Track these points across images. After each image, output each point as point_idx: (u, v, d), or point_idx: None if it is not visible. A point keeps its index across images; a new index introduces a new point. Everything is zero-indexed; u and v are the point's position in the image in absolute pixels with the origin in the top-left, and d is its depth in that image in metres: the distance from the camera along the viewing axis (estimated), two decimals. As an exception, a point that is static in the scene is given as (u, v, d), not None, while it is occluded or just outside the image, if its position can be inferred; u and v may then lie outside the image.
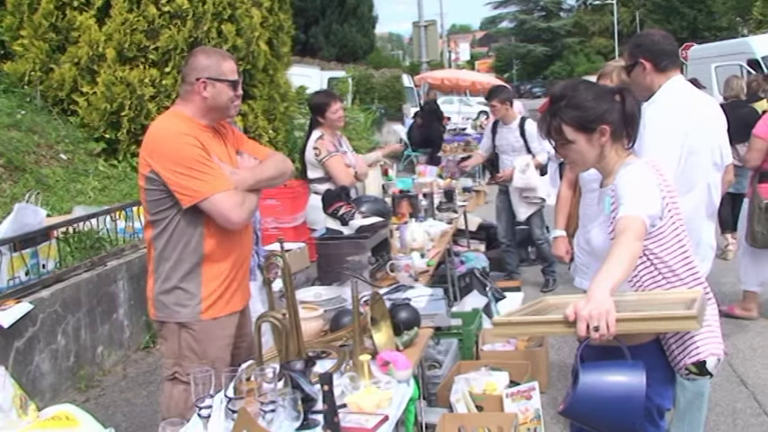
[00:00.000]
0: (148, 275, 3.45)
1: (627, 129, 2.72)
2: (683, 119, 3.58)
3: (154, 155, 3.23)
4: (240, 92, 3.51)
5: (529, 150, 7.74)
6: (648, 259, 2.60)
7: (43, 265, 5.60)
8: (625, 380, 2.44)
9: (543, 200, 7.83)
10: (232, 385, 2.52)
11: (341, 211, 4.48)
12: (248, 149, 3.60)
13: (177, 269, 3.31)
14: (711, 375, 2.67)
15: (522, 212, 7.87)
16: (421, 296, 3.85)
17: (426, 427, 4.19)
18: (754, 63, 16.67)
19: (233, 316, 3.46)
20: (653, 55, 3.67)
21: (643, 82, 3.70)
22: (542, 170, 7.84)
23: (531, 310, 2.68)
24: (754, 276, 6.56)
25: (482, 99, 27.95)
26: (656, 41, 3.72)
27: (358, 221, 4.42)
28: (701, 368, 2.59)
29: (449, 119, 21.40)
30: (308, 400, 2.44)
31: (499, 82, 24.00)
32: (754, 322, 6.48)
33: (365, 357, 2.79)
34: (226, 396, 2.47)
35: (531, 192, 7.77)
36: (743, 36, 26.19)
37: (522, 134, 7.76)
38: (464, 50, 71.64)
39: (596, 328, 2.27)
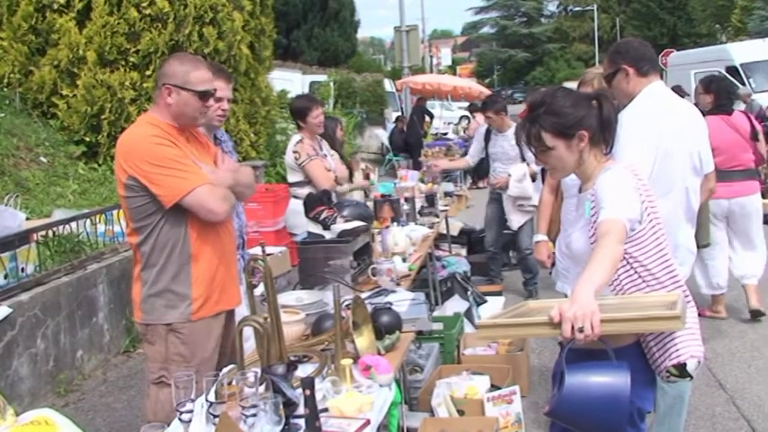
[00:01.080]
0: (134, 280, 3.43)
1: (604, 134, 2.75)
2: (658, 122, 3.61)
3: (129, 160, 3.22)
4: (223, 101, 3.50)
5: (523, 158, 7.70)
6: (628, 263, 2.62)
7: (22, 269, 5.55)
8: (610, 380, 2.46)
9: (536, 207, 7.77)
10: (213, 389, 2.51)
11: (323, 215, 4.47)
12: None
13: (165, 272, 3.30)
14: (692, 378, 2.69)
15: (515, 221, 7.79)
16: (402, 300, 3.86)
17: (407, 432, 4.19)
18: (732, 70, 16.84)
19: (220, 316, 3.45)
20: (635, 60, 3.72)
21: (626, 88, 3.74)
22: (533, 177, 7.81)
23: (514, 313, 2.69)
24: (701, 279, 6.69)
25: (463, 104, 28.05)
26: (636, 47, 3.78)
27: (340, 225, 4.42)
28: (681, 370, 2.61)
29: (430, 120, 21.45)
30: (289, 405, 2.44)
31: (481, 87, 24.11)
32: (733, 327, 6.53)
33: (347, 361, 2.79)
34: (207, 400, 2.46)
35: (526, 200, 7.65)
36: (722, 43, 26.43)
37: (518, 142, 7.73)
38: (445, 55, 71.85)
39: (581, 329, 2.28)
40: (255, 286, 3.08)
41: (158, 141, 3.21)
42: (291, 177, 6.02)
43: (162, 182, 3.17)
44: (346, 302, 3.22)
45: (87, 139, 9.04)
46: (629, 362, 2.51)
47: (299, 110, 6.04)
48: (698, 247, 6.20)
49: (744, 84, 16.23)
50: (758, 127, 6.82)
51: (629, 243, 2.58)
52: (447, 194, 8.60)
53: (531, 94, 2.92)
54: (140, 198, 3.24)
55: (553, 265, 4.66)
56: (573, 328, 2.30)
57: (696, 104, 7.52)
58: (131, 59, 9.08)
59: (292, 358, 3.01)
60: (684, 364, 2.60)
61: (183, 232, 3.29)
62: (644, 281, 2.63)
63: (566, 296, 3.08)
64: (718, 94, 6.73)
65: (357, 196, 7.30)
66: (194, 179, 3.20)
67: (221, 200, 3.27)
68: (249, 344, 3.27)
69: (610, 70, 3.79)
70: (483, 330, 2.65)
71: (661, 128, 3.60)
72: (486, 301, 6.88)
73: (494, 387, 4.68)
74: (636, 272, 2.63)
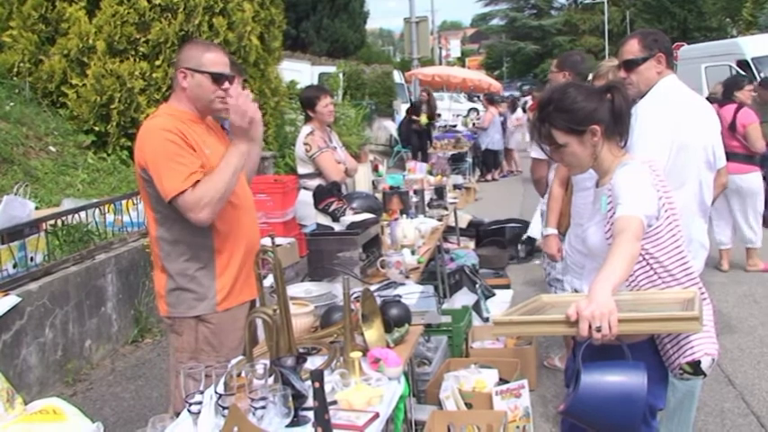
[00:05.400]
0: (157, 271, 3.39)
1: (618, 127, 2.73)
2: (673, 114, 3.59)
3: (140, 152, 3.21)
4: (233, 86, 3.46)
5: None
6: (644, 259, 2.60)
7: (31, 258, 5.56)
8: (626, 379, 2.44)
9: None
10: (222, 381, 2.50)
11: (332, 207, 4.47)
12: None
13: (190, 265, 3.28)
14: (705, 375, 2.68)
15: None
16: (412, 293, 3.84)
17: (416, 425, 4.19)
18: (743, 64, 16.74)
19: (245, 305, 3.43)
20: (668, 51, 3.72)
21: (652, 76, 3.68)
22: None
23: (527, 309, 2.68)
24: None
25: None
26: (667, 39, 3.76)
27: (349, 217, 4.41)
28: (695, 368, 2.59)
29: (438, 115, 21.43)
30: (298, 397, 2.43)
31: (491, 79, 24.07)
32: (742, 323, 6.51)
33: (356, 354, 2.78)
34: (216, 392, 2.45)
35: None
36: (732, 37, 26.28)
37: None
38: (455, 47, 71.58)
39: (598, 329, 2.27)
40: (264, 277, 3.07)
41: (163, 136, 3.14)
42: (301, 169, 6.01)
43: (160, 177, 3.13)
44: (355, 295, 3.21)
45: (97, 128, 9.03)
46: (642, 358, 2.50)
47: (307, 100, 6.04)
48: None
49: (755, 78, 16.15)
50: (742, 121, 7.92)
51: (645, 240, 2.57)
52: (456, 187, 8.57)
53: (541, 92, 2.91)
54: (156, 188, 3.22)
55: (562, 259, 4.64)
56: (590, 326, 2.29)
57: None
58: (141, 49, 9.07)
59: (301, 350, 3.00)
60: (699, 362, 2.59)
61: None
62: (660, 278, 2.62)
63: (575, 291, 3.07)
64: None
65: (364, 188, 7.28)
66: (177, 184, 3.09)
67: (197, 207, 3.10)
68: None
69: (642, 55, 3.71)
70: (499, 327, 2.63)
71: (677, 121, 3.58)
72: (494, 294, 6.86)
73: (502, 381, 4.67)
74: (652, 269, 2.61)
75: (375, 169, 9.27)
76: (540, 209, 5.42)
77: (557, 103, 2.71)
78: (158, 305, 3.46)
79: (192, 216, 3.13)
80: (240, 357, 2.96)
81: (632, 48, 3.76)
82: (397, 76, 26.11)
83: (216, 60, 3.29)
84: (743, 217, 8.16)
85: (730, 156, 7.86)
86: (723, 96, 8.13)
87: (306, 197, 5.57)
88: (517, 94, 31.04)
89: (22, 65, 9.24)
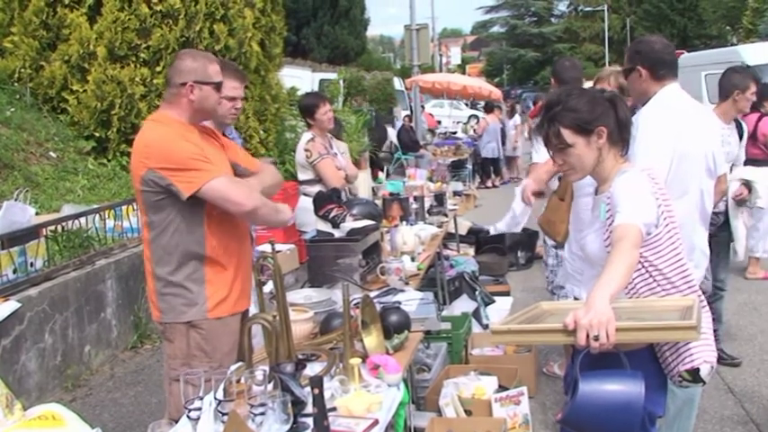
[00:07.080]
0: (148, 277, 3.40)
1: (622, 134, 2.74)
2: (674, 123, 3.59)
3: (151, 157, 3.20)
4: (237, 100, 3.70)
5: None
6: (644, 267, 2.60)
7: (31, 264, 5.56)
8: (624, 389, 2.44)
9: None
10: (222, 387, 2.50)
11: (332, 214, 4.47)
12: (241, 161, 3.59)
13: (180, 270, 3.28)
14: (704, 383, 2.67)
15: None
16: (411, 300, 3.85)
17: (415, 431, 4.18)
18: (743, 72, 16.74)
19: (238, 315, 3.43)
20: (651, 63, 3.67)
21: (638, 88, 3.72)
22: None
23: (527, 317, 2.67)
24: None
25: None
26: (656, 50, 3.72)
27: (349, 224, 4.41)
28: (694, 375, 2.59)
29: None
30: (297, 403, 2.43)
31: (491, 87, 24.09)
32: (742, 331, 6.50)
33: (355, 361, 2.78)
34: (215, 398, 2.45)
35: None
36: (732, 45, 26.31)
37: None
38: (455, 54, 71.79)
39: (596, 338, 2.27)
40: (264, 283, 3.08)
41: (179, 140, 3.21)
42: (302, 175, 6.02)
43: (183, 176, 3.15)
44: (355, 301, 3.21)
45: (97, 134, 9.05)
46: (641, 366, 2.50)
47: (306, 107, 6.07)
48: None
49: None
50: (763, 131, 7.55)
51: (644, 247, 2.57)
52: (456, 193, 8.58)
53: (545, 95, 2.91)
54: (156, 193, 3.21)
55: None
56: (588, 335, 2.29)
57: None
58: (142, 55, 9.09)
59: (300, 357, 3.01)
60: (698, 369, 2.58)
61: (200, 230, 3.26)
62: (659, 285, 2.62)
63: (575, 299, 3.07)
64: None
65: (364, 194, 7.28)
66: (213, 171, 3.18)
67: (239, 190, 3.22)
68: (256, 341, 3.26)
69: (627, 66, 3.77)
70: (497, 336, 2.63)
71: (677, 129, 3.57)
72: (494, 301, 6.86)
73: (501, 388, 4.66)
74: (651, 276, 2.61)
75: (375, 176, 9.28)
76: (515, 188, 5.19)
77: (565, 103, 2.72)
78: (151, 310, 3.46)
79: (233, 197, 3.22)
80: (240, 363, 2.95)
81: (625, 59, 3.86)
82: (398, 83, 26.12)
83: (217, 71, 3.42)
84: (761, 225, 7.99)
85: (752, 163, 7.87)
86: (752, 105, 8.16)
87: (306, 203, 5.58)
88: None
89: (23, 70, 9.26)
